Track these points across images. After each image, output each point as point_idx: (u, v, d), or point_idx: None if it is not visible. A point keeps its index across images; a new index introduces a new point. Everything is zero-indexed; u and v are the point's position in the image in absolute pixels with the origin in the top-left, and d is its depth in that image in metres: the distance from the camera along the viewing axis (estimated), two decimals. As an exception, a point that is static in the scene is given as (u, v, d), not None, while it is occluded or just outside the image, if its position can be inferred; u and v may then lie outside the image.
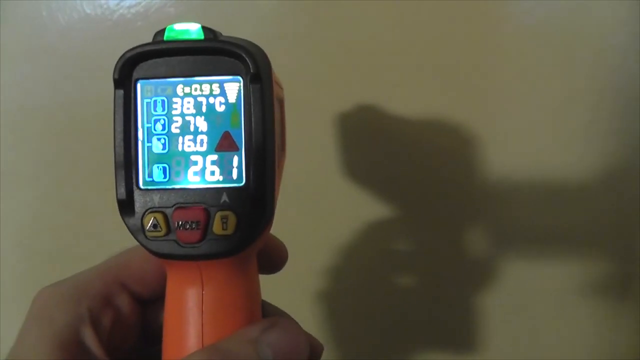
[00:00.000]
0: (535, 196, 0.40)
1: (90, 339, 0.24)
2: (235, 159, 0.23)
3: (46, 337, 0.23)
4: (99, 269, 0.26)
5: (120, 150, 0.23)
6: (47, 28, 0.41)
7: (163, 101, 0.23)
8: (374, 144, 0.40)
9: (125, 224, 0.23)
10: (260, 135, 0.23)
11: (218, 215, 0.23)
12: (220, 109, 0.23)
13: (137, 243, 0.23)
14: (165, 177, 0.23)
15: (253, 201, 0.23)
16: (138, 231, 0.23)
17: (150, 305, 0.27)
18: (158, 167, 0.23)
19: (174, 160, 0.23)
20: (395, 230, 0.41)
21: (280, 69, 0.25)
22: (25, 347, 0.23)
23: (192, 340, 0.23)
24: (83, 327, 0.24)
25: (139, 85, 0.23)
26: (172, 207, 0.23)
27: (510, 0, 0.38)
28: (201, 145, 0.23)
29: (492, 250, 0.41)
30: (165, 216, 0.23)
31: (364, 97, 0.39)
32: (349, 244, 0.41)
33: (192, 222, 0.23)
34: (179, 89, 0.23)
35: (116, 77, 0.23)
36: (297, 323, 0.24)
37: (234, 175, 0.23)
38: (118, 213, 0.23)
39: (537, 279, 0.41)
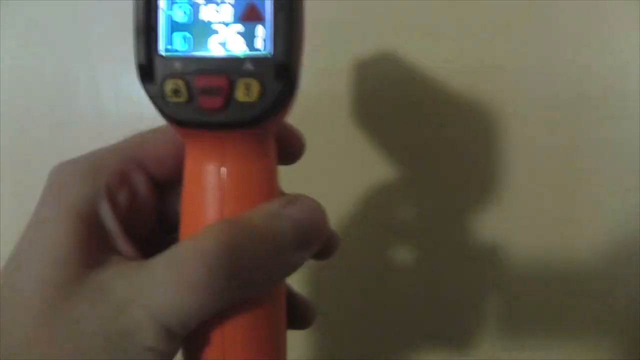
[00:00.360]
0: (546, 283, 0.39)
1: (107, 213, 0.23)
2: (260, 28, 0.22)
3: (64, 207, 0.23)
4: (115, 147, 0.25)
5: (140, 16, 0.23)
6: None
7: None
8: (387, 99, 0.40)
9: (145, 91, 0.23)
10: (287, 5, 0.22)
11: (241, 81, 0.22)
12: None
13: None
14: (186, 45, 0.23)
15: (277, 69, 0.22)
16: (158, 97, 0.22)
17: (167, 191, 0.26)
18: (180, 35, 0.23)
19: (196, 28, 0.23)
20: (399, 200, 0.41)
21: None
22: (43, 217, 0.23)
23: (211, 215, 0.23)
24: (100, 200, 0.23)
25: None
26: (194, 73, 0.22)
27: None
28: (225, 15, 0.23)
29: (501, 336, 0.41)
30: (187, 82, 0.22)
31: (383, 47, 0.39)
32: (353, 208, 0.41)
33: (214, 88, 0.22)
34: None
35: None
36: (318, 202, 0.24)
37: (258, 44, 0.22)
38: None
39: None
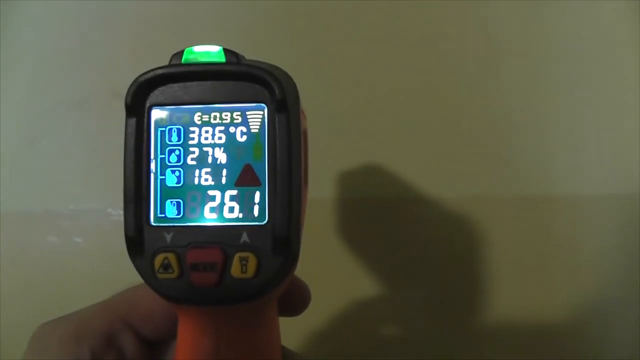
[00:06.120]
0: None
1: None
2: (257, 195, 0.21)
3: None
4: (102, 306, 0.24)
5: (131, 183, 0.21)
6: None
7: (179, 130, 0.21)
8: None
9: (134, 264, 0.21)
10: (286, 169, 0.20)
11: (237, 256, 0.20)
12: (242, 139, 0.21)
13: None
14: (179, 213, 0.21)
15: (276, 241, 0.20)
16: (147, 272, 0.21)
17: (158, 346, 0.25)
18: (171, 202, 0.21)
19: (189, 195, 0.21)
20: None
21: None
22: None
23: None
24: None
25: (152, 113, 0.21)
26: (186, 246, 0.21)
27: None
28: (220, 179, 0.21)
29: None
30: (178, 256, 0.21)
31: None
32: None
33: (207, 263, 0.20)
34: (197, 117, 0.21)
35: (128, 102, 0.21)
36: None
37: (256, 212, 0.21)
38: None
39: None
